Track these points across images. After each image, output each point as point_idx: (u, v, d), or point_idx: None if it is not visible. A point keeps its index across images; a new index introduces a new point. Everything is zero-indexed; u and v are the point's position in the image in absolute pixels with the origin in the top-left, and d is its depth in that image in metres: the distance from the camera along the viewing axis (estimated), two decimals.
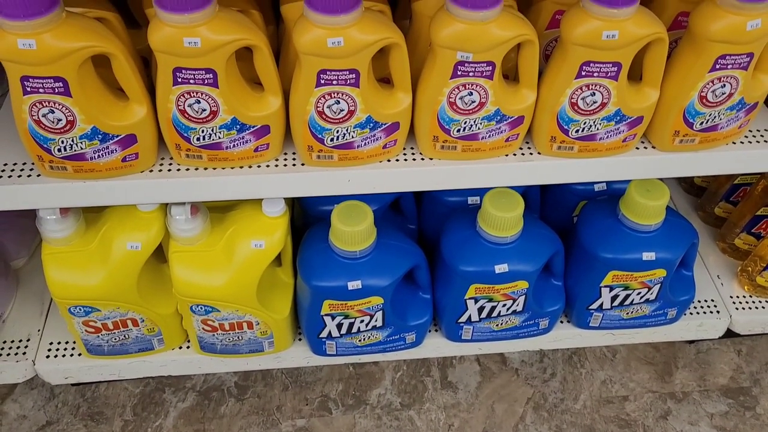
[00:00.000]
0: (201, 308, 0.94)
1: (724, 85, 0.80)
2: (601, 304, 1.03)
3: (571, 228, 1.04)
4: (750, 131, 0.92)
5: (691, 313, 1.12)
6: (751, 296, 1.14)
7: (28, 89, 0.69)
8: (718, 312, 1.12)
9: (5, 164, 0.81)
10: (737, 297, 1.14)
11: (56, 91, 0.69)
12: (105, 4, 0.78)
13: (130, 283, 0.92)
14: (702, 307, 1.13)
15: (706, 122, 0.84)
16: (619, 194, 0.98)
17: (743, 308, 1.12)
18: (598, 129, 0.83)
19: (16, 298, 1.10)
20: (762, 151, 0.89)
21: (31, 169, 0.81)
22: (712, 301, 1.14)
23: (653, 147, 0.89)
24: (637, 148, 0.89)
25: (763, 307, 1.12)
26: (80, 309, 0.93)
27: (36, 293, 1.11)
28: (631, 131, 0.84)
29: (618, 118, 0.82)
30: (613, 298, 1.02)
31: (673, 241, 0.97)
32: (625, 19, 0.73)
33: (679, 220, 1.01)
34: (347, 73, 0.74)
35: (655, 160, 0.88)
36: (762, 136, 0.91)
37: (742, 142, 0.90)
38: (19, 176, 0.80)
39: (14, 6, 0.63)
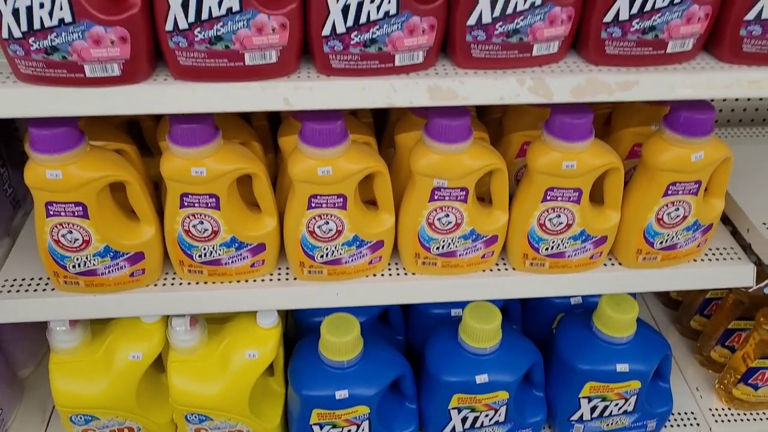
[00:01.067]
0: (195, 417, 0.98)
1: (678, 209, 0.89)
2: (581, 415, 1.06)
3: (552, 339, 1.09)
4: (710, 249, 0.99)
5: (671, 426, 1.14)
6: (729, 409, 1.17)
7: (51, 213, 0.78)
8: (698, 425, 1.15)
9: (23, 279, 0.89)
10: (716, 409, 1.17)
11: (76, 214, 0.78)
12: (123, 137, 0.89)
13: (130, 392, 0.97)
14: (682, 419, 1.15)
15: (666, 242, 0.92)
16: (593, 307, 1.04)
17: (723, 421, 1.15)
18: (566, 247, 0.91)
19: (19, 407, 1.14)
20: (721, 268, 0.97)
21: (47, 284, 0.88)
22: (692, 413, 1.17)
23: (620, 263, 0.96)
24: (605, 265, 0.96)
25: (742, 420, 1.15)
26: (81, 417, 0.97)
27: (39, 402, 1.15)
28: (597, 249, 0.92)
29: (584, 237, 0.90)
30: (593, 409, 1.05)
31: (645, 353, 1.02)
32: (582, 151, 0.83)
33: (651, 332, 1.06)
34: (336, 197, 0.83)
35: (622, 276, 0.95)
36: (721, 254, 0.99)
37: (702, 260, 0.97)
38: (35, 290, 0.87)
39: (47, 142, 0.73)
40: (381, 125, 1.05)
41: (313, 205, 0.83)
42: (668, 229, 0.91)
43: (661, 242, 0.92)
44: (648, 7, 0.72)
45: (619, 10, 0.72)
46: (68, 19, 0.64)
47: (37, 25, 0.64)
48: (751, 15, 0.73)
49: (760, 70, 0.75)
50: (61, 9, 0.63)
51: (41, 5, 0.63)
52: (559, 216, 0.87)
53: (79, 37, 0.65)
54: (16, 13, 0.63)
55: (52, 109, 0.69)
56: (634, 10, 0.72)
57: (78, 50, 0.66)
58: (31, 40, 0.65)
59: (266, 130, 1.01)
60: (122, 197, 0.83)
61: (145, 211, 0.82)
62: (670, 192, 0.87)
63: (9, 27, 0.64)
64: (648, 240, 0.91)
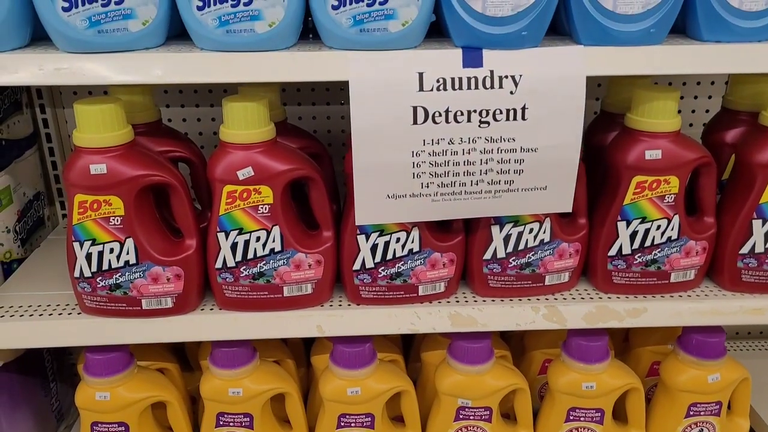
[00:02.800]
0: None
1: (702, 430, 0.89)
2: None
3: None
4: None
5: None
6: None
7: None
8: None
9: None
10: None
11: None
12: (167, 356, 0.95)
13: None
14: None
15: None
16: None
17: None
18: None
19: None
20: None
21: None
22: None
23: None
24: None
25: None
26: None
27: None
28: None
29: None
30: None
31: None
32: (600, 372, 0.86)
33: None
34: (364, 416, 0.86)
35: None
36: None
37: None
38: None
39: (100, 366, 0.79)
40: (408, 340, 1.10)
41: (342, 424, 0.86)
42: None
43: None
44: (648, 243, 0.79)
45: (621, 246, 0.80)
46: (133, 261, 0.73)
47: (105, 267, 0.74)
48: (745, 249, 0.80)
49: (761, 298, 0.81)
50: (128, 253, 0.73)
51: (111, 250, 0.73)
52: None
53: (140, 276, 0.74)
54: (89, 256, 0.73)
55: (110, 338, 0.76)
56: (636, 245, 0.79)
57: (138, 287, 0.75)
58: (98, 279, 0.74)
59: (300, 346, 1.06)
60: (161, 412, 0.87)
61: (182, 430, 0.86)
62: (692, 413, 0.88)
63: (81, 268, 0.74)
64: None
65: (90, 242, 0.72)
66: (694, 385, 0.87)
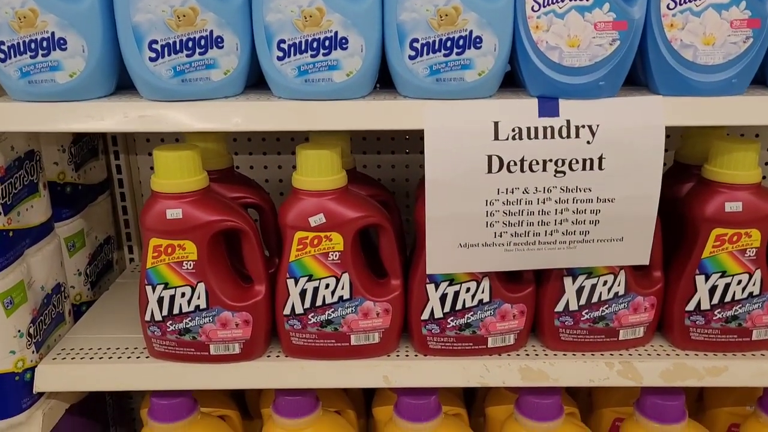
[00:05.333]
0: None
1: None
2: None
3: None
4: None
5: None
6: None
7: None
8: None
9: None
10: None
11: None
12: (228, 402, 0.94)
13: None
14: None
15: None
16: None
17: None
18: None
19: None
20: None
21: None
22: None
23: None
24: None
25: None
26: None
27: None
28: None
29: None
30: None
31: None
32: None
33: None
34: None
35: None
36: None
37: None
38: None
39: (166, 412, 0.79)
40: (470, 393, 1.07)
41: None
42: None
43: None
44: (728, 298, 0.76)
45: (699, 300, 0.77)
46: (203, 305, 0.74)
47: (176, 311, 0.74)
48: None
49: None
50: (199, 298, 0.73)
51: (182, 294, 0.73)
52: None
53: (210, 321, 0.74)
54: (160, 300, 0.74)
55: (178, 383, 0.76)
56: (715, 300, 0.76)
57: (207, 332, 0.75)
58: (168, 323, 0.75)
59: (360, 395, 1.05)
60: None
61: None
62: None
63: (152, 311, 0.74)
64: None
65: (162, 286, 0.73)
66: None
